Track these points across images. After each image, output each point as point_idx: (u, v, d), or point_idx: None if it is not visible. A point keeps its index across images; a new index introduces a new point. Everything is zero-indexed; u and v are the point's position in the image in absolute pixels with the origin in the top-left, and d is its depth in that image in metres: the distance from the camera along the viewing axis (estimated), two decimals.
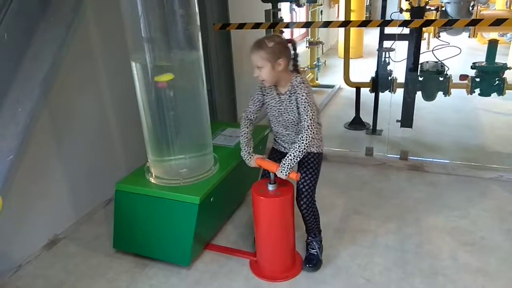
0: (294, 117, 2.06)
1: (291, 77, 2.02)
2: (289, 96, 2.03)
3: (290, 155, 1.99)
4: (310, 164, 2.17)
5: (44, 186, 2.53)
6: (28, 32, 2.15)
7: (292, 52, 2.02)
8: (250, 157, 2.17)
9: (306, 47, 6.07)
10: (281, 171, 2.01)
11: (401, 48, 3.72)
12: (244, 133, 2.20)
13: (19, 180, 2.31)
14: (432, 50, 3.87)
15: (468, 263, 2.27)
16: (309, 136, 1.97)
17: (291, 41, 2.03)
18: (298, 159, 2.00)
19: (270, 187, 2.10)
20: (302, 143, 1.97)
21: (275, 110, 2.11)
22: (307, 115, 1.98)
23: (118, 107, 3.02)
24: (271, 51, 1.92)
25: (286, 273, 2.24)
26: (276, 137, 2.25)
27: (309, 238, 2.33)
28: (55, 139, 2.57)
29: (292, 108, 2.04)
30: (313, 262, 2.27)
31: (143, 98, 2.25)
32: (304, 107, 1.98)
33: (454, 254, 2.35)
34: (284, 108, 2.07)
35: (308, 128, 1.97)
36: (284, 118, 2.09)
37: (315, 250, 2.30)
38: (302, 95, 1.98)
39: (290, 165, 2.00)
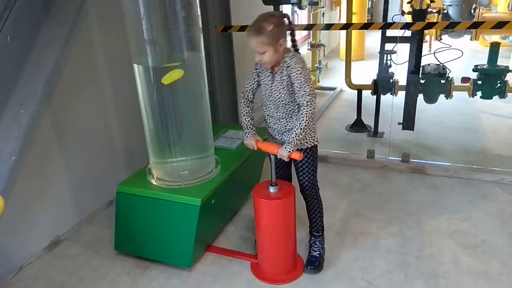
0: (284, 95, 1.95)
1: (284, 54, 1.92)
2: (281, 72, 1.93)
3: (293, 133, 1.94)
4: (306, 159, 2.11)
5: (46, 187, 2.53)
6: (31, 34, 2.17)
7: (289, 26, 1.93)
8: (252, 134, 2.14)
9: (308, 49, 6.07)
10: (284, 147, 1.95)
11: (402, 51, 3.72)
12: (246, 112, 2.14)
13: (21, 182, 2.31)
14: (434, 53, 3.87)
15: (470, 266, 2.27)
16: (309, 112, 1.89)
17: (286, 15, 1.93)
18: (301, 136, 1.94)
19: (272, 189, 2.10)
20: (303, 120, 1.90)
21: (267, 89, 2.01)
22: (304, 91, 1.88)
23: (120, 109, 3.03)
24: (272, 34, 1.82)
25: (287, 275, 2.24)
26: (269, 126, 2.16)
27: (312, 238, 2.32)
28: (57, 141, 2.58)
29: (283, 85, 1.93)
30: (314, 264, 2.26)
31: (145, 100, 2.26)
32: (300, 82, 1.88)
33: (456, 257, 2.34)
34: (275, 86, 1.96)
35: (308, 104, 1.89)
36: (275, 97, 1.99)
37: (317, 252, 2.29)
38: (297, 70, 1.87)
39: (294, 143, 1.94)
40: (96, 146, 2.89)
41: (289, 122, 2.03)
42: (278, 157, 2.02)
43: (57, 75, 2.43)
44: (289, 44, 1.98)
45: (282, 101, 1.98)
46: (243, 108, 2.16)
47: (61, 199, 2.67)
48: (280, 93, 1.97)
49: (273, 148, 2.04)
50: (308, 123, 1.93)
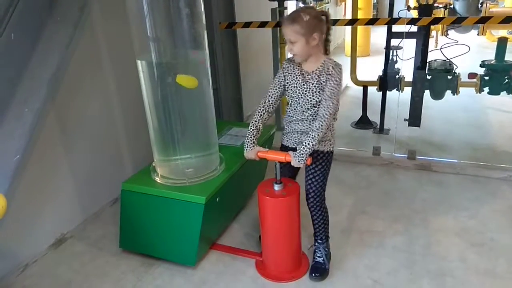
0: (318, 98, 1.92)
1: (322, 55, 1.91)
2: (318, 76, 1.90)
3: (306, 144, 1.90)
4: (320, 163, 2.07)
5: (51, 185, 2.54)
6: (35, 32, 2.16)
7: (326, 26, 1.89)
8: (252, 147, 2.07)
9: None
10: (298, 160, 1.92)
11: (408, 46, 3.68)
12: (255, 121, 2.06)
13: (26, 180, 2.32)
14: (440, 48, 3.83)
15: (477, 265, 2.24)
16: (324, 126, 1.89)
17: (325, 13, 1.89)
18: (314, 147, 1.92)
19: (276, 187, 2.09)
20: (317, 132, 1.89)
21: (298, 91, 1.96)
22: (332, 103, 1.87)
23: (125, 107, 3.02)
24: (307, 25, 1.79)
25: (292, 273, 2.23)
26: (287, 127, 2.10)
27: (316, 244, 2.27)
28: (62, 139, 2.58)
29: (317, 88, 1.91)
30: (319, 271, 2.21)
31: (149, 97, 2.25)
32: (332, 93, 1.87)
33: (463, 255, 2.32)
34: (309, 88, 1.92)
35: (324, 117, 1.88)
36: (307, 99, 1.94)
37: (321, 258, 2.23)
38: (336, 80, 1.87)
39: (307, 153, 1.91)
40: (101, 144, 2.89)
41: (312, 123, 1.98)
42: (293, 165, 1.98)
43: (62, 73, 2.43)
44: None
45: (313, 104, 1.94)
46: (256, 116, 2.07)
47: (66, 197, 2.67)
48: (313, 94, 1.93)
49: (280, 156, 2.01)
50: (322, 135, 1.91)
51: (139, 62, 2.19)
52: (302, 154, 1.92)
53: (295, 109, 2.02)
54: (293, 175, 2.25)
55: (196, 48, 2.22)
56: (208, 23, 3.32)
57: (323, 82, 1.90)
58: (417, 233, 2.53)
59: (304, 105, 1.97)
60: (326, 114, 1.89)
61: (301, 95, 1.96)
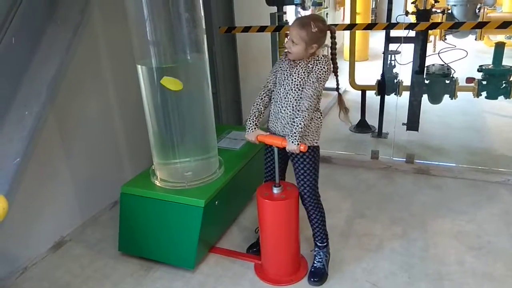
0: (301, 79, 1.98)
1: (314, 56, 2.01)
2: (306, 63, 1.98)
3: (297, 124, 1.94)
4: (304, 159, 2.07)
5: (50, 188, 2.54)
6: (35, 35, 2.17)
7: (331, 40, 2.03)
8: (253, 129, 2.10)
9: None
10: (292, 141, 1.94)
11: (407, 51, 3.70)
12: (256, 104, 2.13)
13: (26, 183, 2.32)
14: (438, 53, 3.85)
15: (475, 268, 2.25)
16: (312, 106, 1.95)
17: (331, 29, 2.02)
18: (304, 127, 1.95)
19: (275, 190, 2.10)
20: (306, 112, 1.94)
21: (286, 72, 2.03)
22: (318, 85, 1.95)
23: (124, 110, 3.03)
24: (312, 35, 1.90)
25: (291, 276, 2.24)
26: (271, 115, 2.13)
27: (316, 248, 2.26)
28: (62, 142, 2.59)
29: (301, 74, 1.98)
30: (318, 276, 2.20)
31: (149, 101, 2.26)
32: (319, 77, 1.95)
33: (461, 259, 2.33)
34: (296, 71, 1.99)
35: (311, 97, 1.94)
36: (292, 79, 1.99)
37: (321, 263, 2.23)
38: (324, 67, 1.95)
39: (299, 134, 1.93)
40: (100, 147, 2.90)
41: (295, 111, 2.01)
42: (288, 150, 1.99)
43: (62, 76, 2.44)
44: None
45: (297, 83, 1.99)
46: (257, 99, 2.14)
47: (66, 200, 2.68)
48: (299, 75, 1.98)
49: (277, 141, 2.01)
50: (309, 114, 1.96)
51: (139, 66, 2.21)
52: (294, 133, 1.94)
53: (279, 91, 2.06)
54: (282, 173, 2.24)
55: (196, 53, 2.24)
56: (208, 28, 3.35)
57: (311, 65, 1.97)
58: (415, 237, 2.54)
59: (287, 85, 2.02)
60: (312, 94, 1.95)
61: (287, 76, 2.02)
